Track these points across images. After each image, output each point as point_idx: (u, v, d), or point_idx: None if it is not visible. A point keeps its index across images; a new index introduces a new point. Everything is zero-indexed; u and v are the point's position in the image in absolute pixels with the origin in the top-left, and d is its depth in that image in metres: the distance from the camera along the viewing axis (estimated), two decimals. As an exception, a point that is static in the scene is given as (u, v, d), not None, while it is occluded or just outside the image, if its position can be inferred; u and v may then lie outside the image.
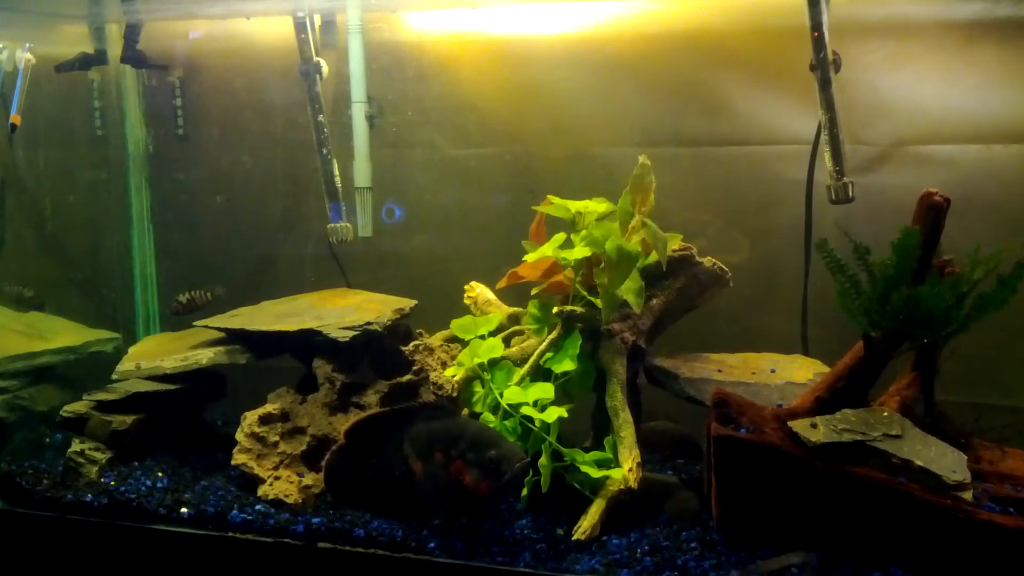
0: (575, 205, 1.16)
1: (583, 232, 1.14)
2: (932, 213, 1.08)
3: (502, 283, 1.22)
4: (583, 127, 1.40)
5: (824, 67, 1.21)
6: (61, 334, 1.43)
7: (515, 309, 1.25)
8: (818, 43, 1.20)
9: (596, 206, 1.17)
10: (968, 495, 0.98)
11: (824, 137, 1.26)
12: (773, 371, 1.18)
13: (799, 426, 1.04)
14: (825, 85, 1.22)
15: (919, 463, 0.99)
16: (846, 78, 1.35)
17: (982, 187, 1.35)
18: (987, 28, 1.32)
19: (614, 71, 1.37)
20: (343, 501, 1.12)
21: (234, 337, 1.27)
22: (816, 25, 1.19)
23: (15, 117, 1.23)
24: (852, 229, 1.14)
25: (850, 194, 1.23)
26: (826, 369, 1.22)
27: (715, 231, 1.33)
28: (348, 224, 1.38)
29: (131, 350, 1.36)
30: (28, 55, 1.24)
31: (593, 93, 1.38)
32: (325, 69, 1.38)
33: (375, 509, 1.10)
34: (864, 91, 1.38)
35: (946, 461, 1.01)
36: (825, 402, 1.10)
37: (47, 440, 1.35)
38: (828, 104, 1.22)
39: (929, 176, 1.37)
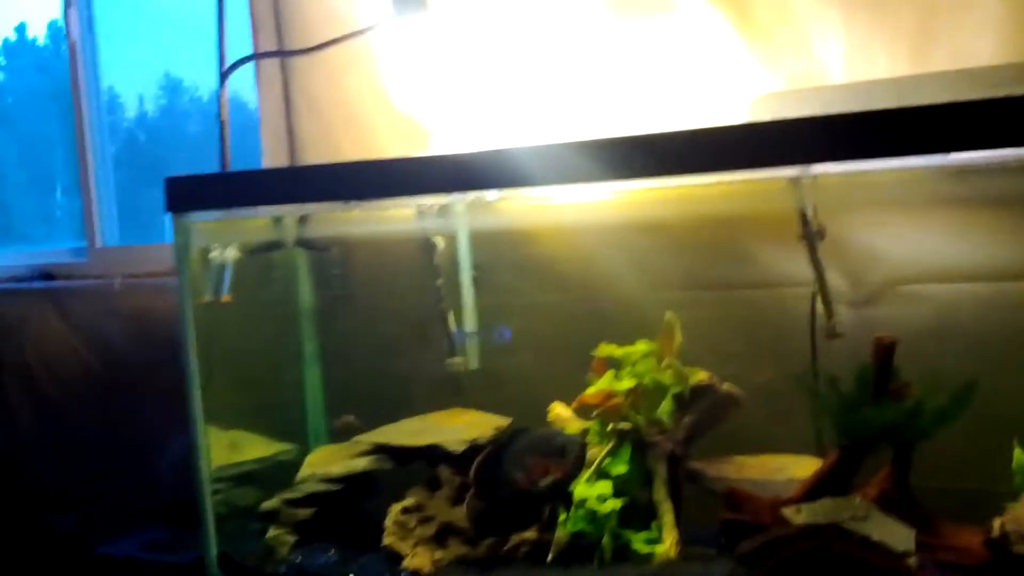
0: (621, 351, 1.59)
1: (629, 368, 1.57)
2: (882, 351, 1.45)
3: (575, 405, 1.65)
4: (632, 276, 1.81)
5: (810, 239, 1.60)
6: (256, 447, 1.92)
7: (586, 423, 1.67)
8: (803, 220, 1.60)
9: (639, 348, 1.59)
10: (912, 562, 1.33)
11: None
12: (779, 470, 1.56)
13: (787, 511, 1.41)
14: (812, 251, 1.61)
15: (875, 538, 1.35)
16: (841, 234, 1.74)
17: (957, 319, 1.70)
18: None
19: (654, 232, 1.79)
20: (485, 531, 1.53)
21: (381, 449, 1.74)
22: (801, 208, 1.59)
23: (227, 297, 1.73)
24: (854, 354, 1.53)
25: (836, 331, 1.61)
26: (825, 466, 1.58)
27: (737, 359, 1.71)
28: (462, 358, 1.85)
29: (307, 459, 1.81)
30: (233, 251, 1.75)
31: (640, 251, 1.80)
32: (440, 245, 1.87)
33: (510, 528, 1.51)
34: (860, 245, 1.77)
35: (898, 537, 1.36)
36: (811, 493, 1.47)
37: (248, 528, 1.81)
38: (815, 266, 1.61)
39: (914, 309, 1.73)
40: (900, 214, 1.69)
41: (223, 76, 1.87)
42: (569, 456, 1.47)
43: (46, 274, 2.77)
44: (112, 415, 2.54)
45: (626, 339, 1.61)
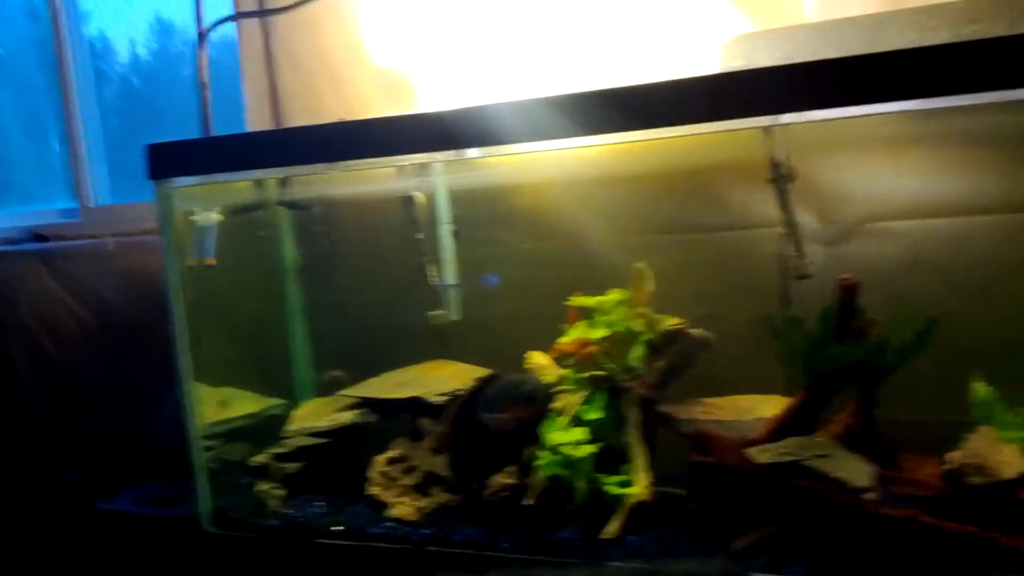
0: (594, 300, 1.62)
1: (603, 317, 1.60)
2: (846, 292, 1.48)
3: (552, 354, 1.69)
4: (609, 223, 1.84)
5: (780, 183, 1.61)
6: (245, 403, 1.97)
7: (563, 371, 1.70)
8: (773, 165, 1.61)
9: (612, 297, 1.63)
10: (872, 496, 1.38)
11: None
12: (750, 409, 1.61)
13: (752, 451, 1.46)
14: (781, 194, 1.62)
15: (836, 474, 1.39)
16: (815, 174, 1.76)
17: (929, 254, 1.72)
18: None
19: (630, 182, 1.81)
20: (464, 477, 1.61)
21: (365, 402, 1.78)
22: (770, 155, 1.60)
23: (211, 260, 1.77)
24: (823, 294, 1.56)
25: (808, 272, 1.64)
26: (794, 405, 1.63)
27: (713, 300, 1.74)
28: (444, 311, 1.89)
29: (293, 413, 1.88)
30: (216, 215, 1.78)
31: (617, 200, 1.83)
32: (420, 199, 1.89)
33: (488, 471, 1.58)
34: (831, 183, 1.78)
35: (858, 473, 1.40)
36: (776, 433, 1.51)
37: (240, 482, 1.87)
38: (784, 207, 1.63)
39: (885, 246, 1.76)
40: (868, 155, 1.71)
41: (201, 37, 1.88)
42: (537, 400, 1.53)
43: (39, 235, 2.80)
44: (110, 372, 2.59)
45: (605, 285, 1.65)
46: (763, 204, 1.65)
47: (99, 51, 2.96)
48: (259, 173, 1.77)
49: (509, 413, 1.54)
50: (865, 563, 1.33)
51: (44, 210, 2.90)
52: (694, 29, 1.87)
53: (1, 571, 2.35)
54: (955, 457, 1.40)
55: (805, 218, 1.73)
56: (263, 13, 2.15)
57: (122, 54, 3.14)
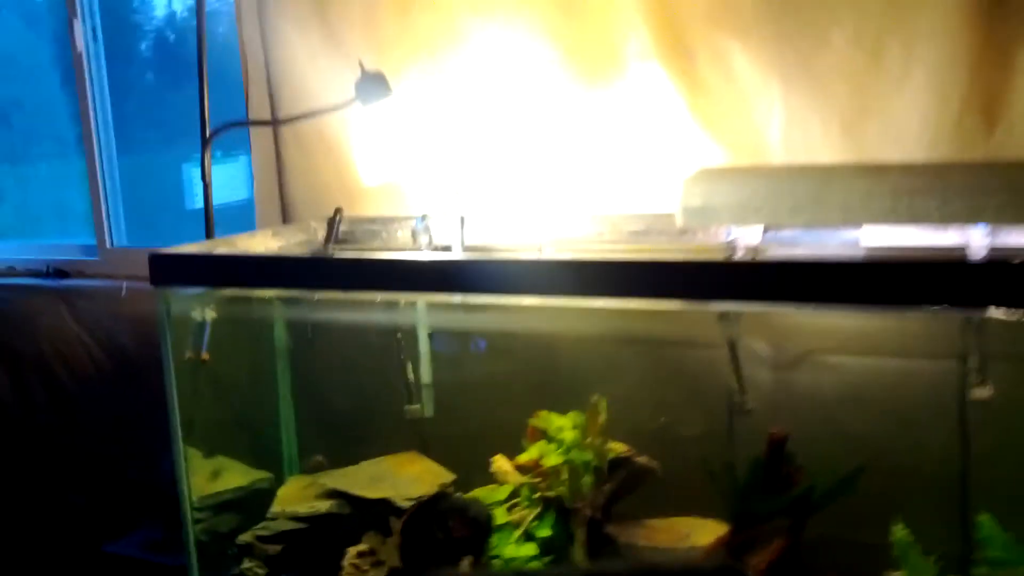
0: (552, 424, 1.76)
1: (556, 446, 1.75)
2: (774, 445, 1.61)
3: (510, 468, 1.84)
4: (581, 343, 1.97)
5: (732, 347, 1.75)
6: (236, 475, 2.13)
7: (522, 479, 1.86)
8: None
9: (567, 423, 1.77)
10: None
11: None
12: (687, 535, 1.75)
13: (682, 587, 1.61)
14: (730, 346, 1.76)
15: None
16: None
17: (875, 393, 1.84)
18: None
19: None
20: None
21: (341, 494, 1.95)
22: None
23: (206, 354, 1.92)
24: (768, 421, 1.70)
25: (749, 409, 1.77)
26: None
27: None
28: (418, 406, 2.04)
29: (279, 492, 2.04)
30: (211, 312, 1.93)
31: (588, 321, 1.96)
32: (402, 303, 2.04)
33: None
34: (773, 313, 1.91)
35: (773, 614, 1.55)
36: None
37: (228, 552, 2.03)
38: (731, 351, 1.76)
39: (827, 380, 1.88)
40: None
41: (206, 142, 2.02)
42: (479, 524, 1.70)
43: (59, 271, 2.98)
44: (119, 408, 2.77)
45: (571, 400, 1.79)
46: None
47: (138, 4, 3.04)
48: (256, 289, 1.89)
49: (456, 531, 1.71)
50: None
51: (64, 245, 3.07)
52: (672, 154, 1.99)
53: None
54: (866, 602, 1.54)
55: (758, 344, 1.86)
56: (252, 123, 2.29)
57: (159, 7, 3.22)
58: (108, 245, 2.93)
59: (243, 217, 2.49)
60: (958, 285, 1.30)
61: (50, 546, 2.73)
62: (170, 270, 1.81)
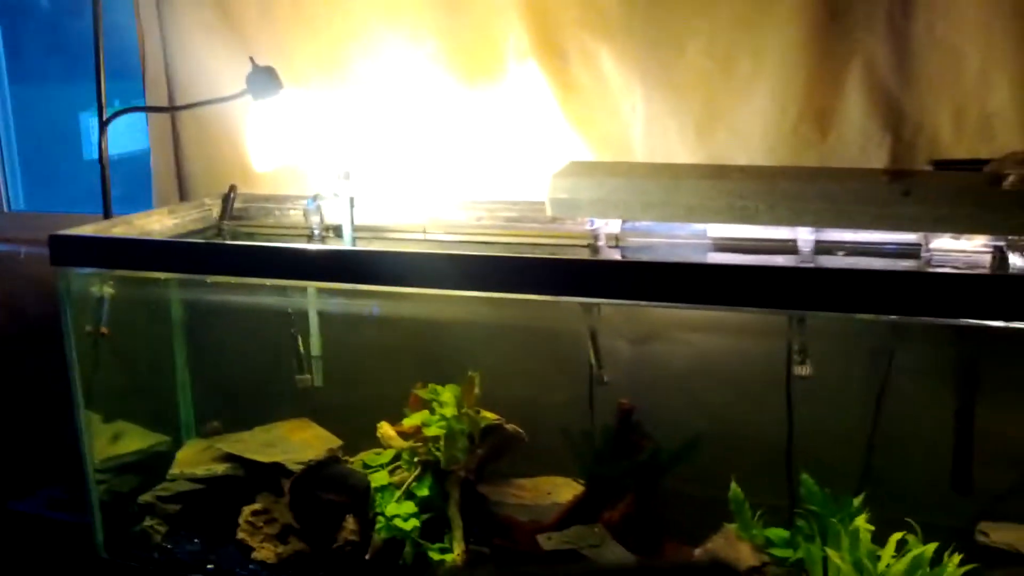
0: (431, 394, 1.96)
1: (437, 417, 1.95)
2: (623, 414, 1.85)
3: (393, 434, 2.03)
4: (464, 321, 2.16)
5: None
6: (136, 439, 2.27)
7: (404, 444, 2.05)
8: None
9: (445, 394, 1.96)
10: (626, 583, 1.76)
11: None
12: (549, 493, 1.99)
13: (540, 538, 1.83)
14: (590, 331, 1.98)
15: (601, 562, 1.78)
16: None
17: (719, 365, 2.10)
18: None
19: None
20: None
21: (236, 458, 2.12)
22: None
23: (104, 329, 2.05)
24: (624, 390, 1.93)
25: (605, 381, 1.99)
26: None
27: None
28: (308, 376, 2.22)
29: (177, 455, 2.18)
30: (108, 289, 2.05)
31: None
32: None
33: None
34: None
35: (616, 558, 1.80)
36: (564, 521, 1.89)
37: (130, 511, 2.17)
38: (591, 333, 1.98)
39: (678, 352, 2.12)
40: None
41: (103, 126, 2.12)
42: (356, 491, 1.93)
43: (-46, 234, 3.01)
44: (22, 372, 2.85)
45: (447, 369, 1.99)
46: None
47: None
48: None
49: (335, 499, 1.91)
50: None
51: (-39, 210, 3.10)
52: (541, 147, 2.17)
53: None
54: (698, 553, 1.80)
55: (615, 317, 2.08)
56: (150, 109, 2.40)
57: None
58: (5, 209, 2.98)
59: (143, 168, 2.57)
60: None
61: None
62: (69, 251, 1.93)
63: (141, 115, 2.47)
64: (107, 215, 2.14)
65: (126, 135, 2.66)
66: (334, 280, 1.79)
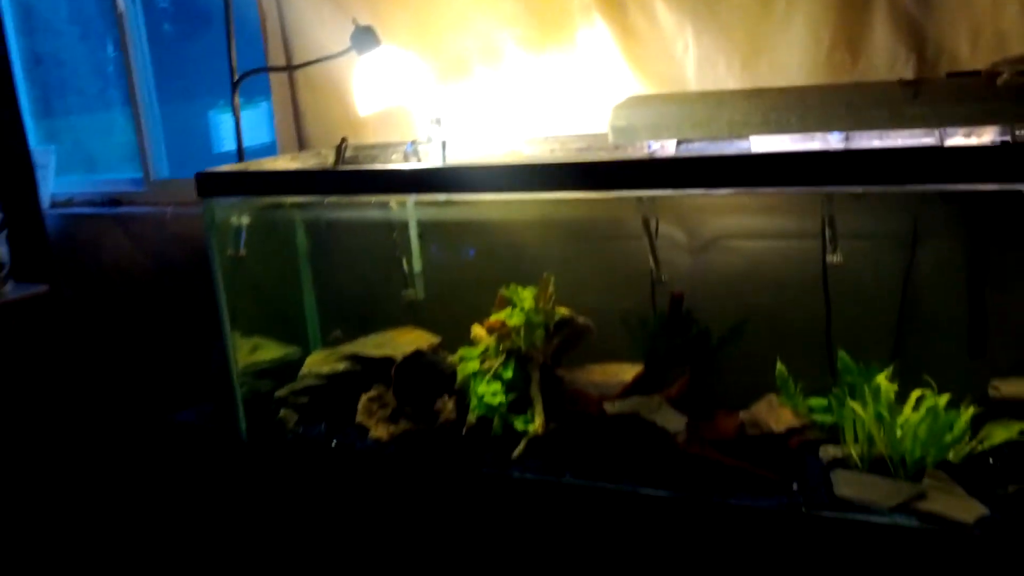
0: (514, 294, 2.30)
1: (518, 310, 2.29)
2: (674, 301, 2.16)
3: (483, 333, 2.38)
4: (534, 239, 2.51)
5: (646, 219, 2.28)
6: (271, 350, 2.69)
7: (490, 341, 2.39)
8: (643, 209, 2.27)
9: (526, 294, 2.31)
10: (679, 437, 2.06)
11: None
12: (616, 374, 2.31)
13: (607, 405, 2.16)
14: (646, 227, 2.29)
15: (659, 423, 2.08)
16: (678, 199, 2.42)
17: (767, 268, 2.38)
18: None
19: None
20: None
21: (355, 357, 2.51)
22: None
23: (242, 251, 2.46)
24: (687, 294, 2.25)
25: (662, 280, 2.30)
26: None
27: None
28: (413, 291, 2.60)
29: (307, 360, 2.61)
30: (245, 218, 2.47)
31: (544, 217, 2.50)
32: (396, 206, 2.58)
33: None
34: (689, 208, 2.45)
35: (674, 422, 2.09)
36: (626, 393, 2.21)
37: (267, 409, 2.58)
38: (649, 240, 2.29)
39: (732, 259, 2.41)
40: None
41: (234, 87, 2.55)
42: (444, 374, 2.30)
43: (113, 200, 3.52)
44: (171, 316, 3.33)
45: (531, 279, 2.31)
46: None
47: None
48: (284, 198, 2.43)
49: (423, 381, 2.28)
50: (666, 478, 2.03)
51: (117, 179, 3.61)
52: (608, 85, 2.50)
53: (91, 459, 3.13)
54: (744, 416, 2.10)
55: (675, 232, 2.39)
56: (270, 70, 2.81)
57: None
58: (153, 177, 3.46)
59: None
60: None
61: (123, 421, 3.31)
62: (213, 184, 2.35)
63: (268, 118, 2.89)
64: (240, 160, 2.56)
65: (249, 132, 3.10)
66: (428, 191, 2.15)
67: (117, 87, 3.66)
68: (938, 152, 1.78)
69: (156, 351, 3.35)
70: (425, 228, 2.57)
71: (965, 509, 1.79)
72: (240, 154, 2.58)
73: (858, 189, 1.82)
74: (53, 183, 3.65)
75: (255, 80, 2.83)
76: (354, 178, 2.22)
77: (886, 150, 1.87)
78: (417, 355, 2.34)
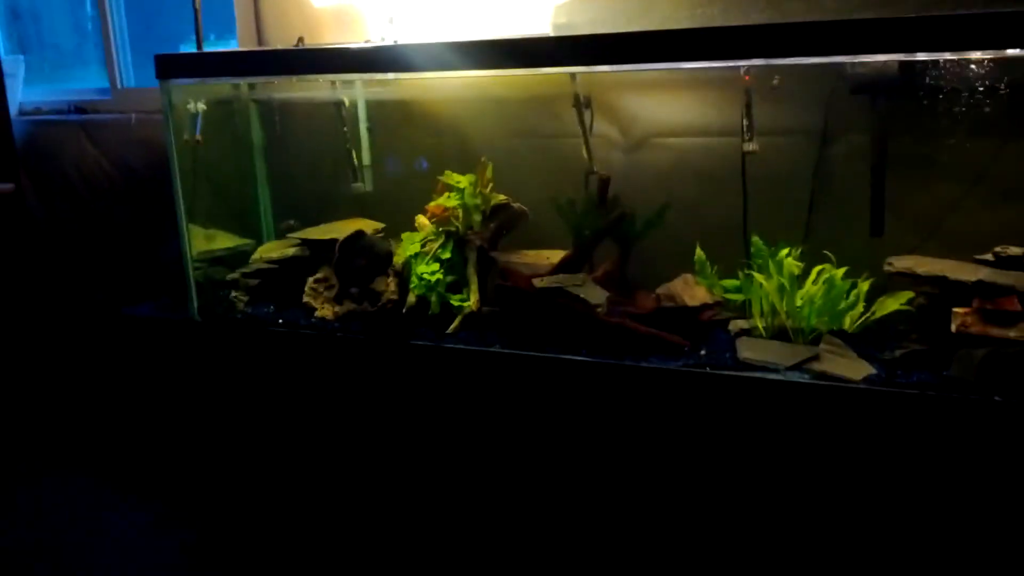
0: (453, 180, 2.43)
1: (456, 195, 2.42)
2: (602, 183, 2.30)
3: (426, 222, 2.51)
4: (474, 129, 2.64)
5: (578, 107, 2.40)
6: (225, 240, 2.81)
7: (431, 227, 2.53)
8: (576, 100, 2.39)
9: (464, 179, 2.44)
10: (600, 309, 2.20)
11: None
12: (548, 258, 2.44)
13: (536, 280, 2.29)
14: (579, 116, 2.41)
15: (582, 295, 2.22)
16: (612, 103, 2.54)
17: (693, 163, 2.51)
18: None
19: (489, 101, 2.60)
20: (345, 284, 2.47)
21: (303, 242, 2.64)
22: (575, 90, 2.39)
23: (198, 137, 2.58)
24: (621, 189, 2.38)
25: (595, 171, 2.43)
26: (581, 257, 2.46)
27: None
28: (361, 184, 2.72)
29: (259, 249, 2.74)
30: (202, 105, 2.58)
31: (478, 113, 2.62)
32: (347, 103, 2.69)
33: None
34: (623, 111, 2.57)
35: (596, 295, 2.23)
36: (555, 271, 2.35)
37: (218, 294, 2.71)
38: (582, 129, 2.42)
39: (661, 155, 2.54)
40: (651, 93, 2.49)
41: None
42: (379, 254, 2.44)
43: (79, 108, 3.61)
44: (130, 215, 3.43)
45: (469, 168, 2.45)
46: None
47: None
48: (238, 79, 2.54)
49: (363, 259, 2.41)
50: (587, 346, 2.18)
51: (83, 88, 3.69)
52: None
53: (45, 363, 3.24)
54: (660, 291, 2.24)
55: (611, 132, 2.52)
56: None
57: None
58: (119, 86, 3.55)
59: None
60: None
61: (81, 318, 3.43)
62: (172, 67, 2.46)
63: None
64: (199, 48, 2.67)
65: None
66: (375, 71, 2.27)
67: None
68: (844, 25, 1.89)
69: (117, 250, 3.45)
70: (375, 122, 2.68)
71: (854, 369, 1.95)
72: (199, 42, 2.68)
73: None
74: (22, 93, 3.72)
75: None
76: (305, 57, 2.33)
77: (791, 24, 1.97)
78: (359, 234, 2.46)
